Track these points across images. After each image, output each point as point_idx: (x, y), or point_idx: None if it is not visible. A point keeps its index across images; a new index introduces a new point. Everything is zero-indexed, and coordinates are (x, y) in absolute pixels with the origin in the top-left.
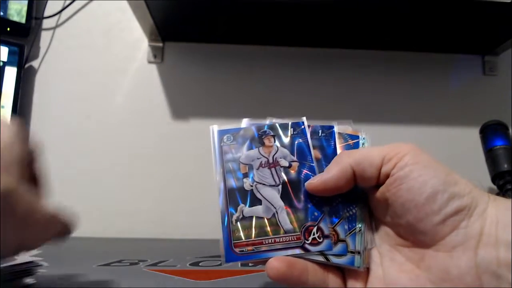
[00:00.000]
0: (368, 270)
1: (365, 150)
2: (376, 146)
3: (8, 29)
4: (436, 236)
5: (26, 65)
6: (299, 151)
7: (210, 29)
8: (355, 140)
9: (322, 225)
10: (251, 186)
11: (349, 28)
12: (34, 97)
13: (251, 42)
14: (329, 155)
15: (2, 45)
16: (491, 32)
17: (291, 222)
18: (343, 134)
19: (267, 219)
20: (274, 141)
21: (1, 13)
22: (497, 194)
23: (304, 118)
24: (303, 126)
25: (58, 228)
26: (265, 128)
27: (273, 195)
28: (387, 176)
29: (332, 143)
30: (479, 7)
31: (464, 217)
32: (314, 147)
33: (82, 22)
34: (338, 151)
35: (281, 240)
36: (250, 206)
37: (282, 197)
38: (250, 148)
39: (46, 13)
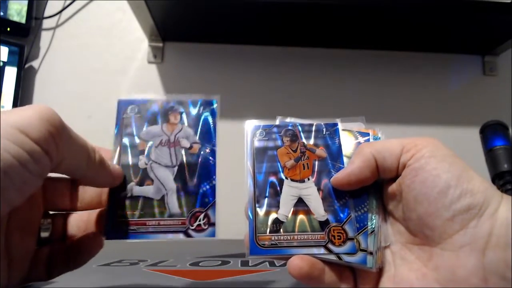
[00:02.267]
0: (381, 270)
1: (385, 140)
2: (395, 138)
3: (8, 29)
4: (444, 234)
5: (26, 65)
6: (205, 132)
7: (210, 29)
8: (366, 137)
9: (210, 212)
10: (146, 164)
11: (348, 28)
12: (34, 97)
13: (251, 42)
14: (334, 153)
15: (2, 45)
16: (491, 32)
17: (180, 206)
18: (353, 131)
19: (156, 200)
20: (181, 119)
21: (1, 13)
22: None
23: (216, 97)
24: (214, 106)
25: (109, 174)
26: (173, 104)
27: (167, 176)
28: (404, 166)
29: (337, 140)
30: (479, 7)
31: (474, 216)
32: (318, 146)
33: (82, 22)
34: (349, 148)
35: (165, 223)
36: (142, 185)
37: (176, 179)
38: (153, 123)
39: (46, 13)
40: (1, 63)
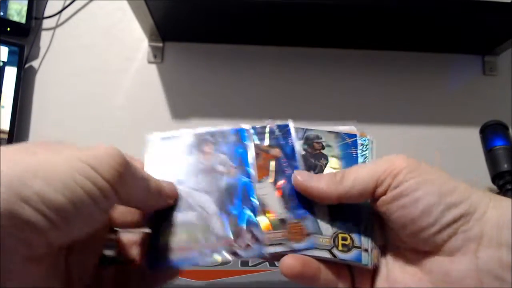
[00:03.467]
0: (375, 270)
1: (357, 173)
2: (368, 164)
3: (8, 29)
4: (436, 244)
5: (26, 65)
6: (240, 158)
7: (210, 29)
8: (353, 139)
9: (254, 229)
10: (186, 192)
11: (348, 28)
12: (34, 97)
13: (251, 42)
14: (288, 153)
15: (2, 45)
16: (491, 32)
17: (223, 227)
18: (340, 133)
19: (198, 225)
20: (215, 149)
21: (1, 13)
22: (497, 194)
23: (246, 126)
24: (245, 134)
25: (164, 200)
26: (205, 135)
27: (207, 201)
28: (382, 194)
29: (289, 140)
30: (479, 7)
31: (464, 223)
32: (273, 146)
33: (82, 22)
34: (336, 149)
35: (210, 246)
36: (183, 212)
37: (216, 203)
38: (189, 154)
39: (46, 13)
40: (1, 63)
